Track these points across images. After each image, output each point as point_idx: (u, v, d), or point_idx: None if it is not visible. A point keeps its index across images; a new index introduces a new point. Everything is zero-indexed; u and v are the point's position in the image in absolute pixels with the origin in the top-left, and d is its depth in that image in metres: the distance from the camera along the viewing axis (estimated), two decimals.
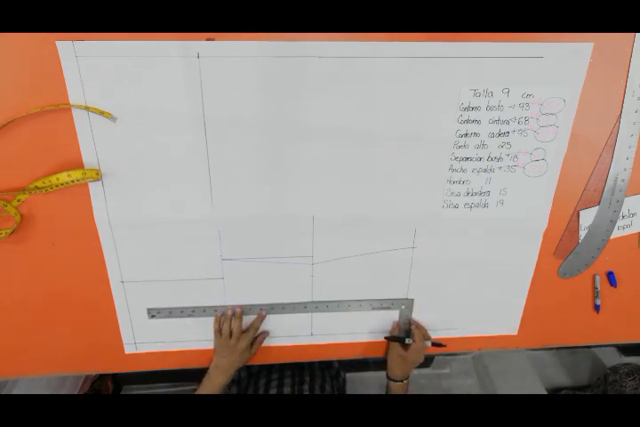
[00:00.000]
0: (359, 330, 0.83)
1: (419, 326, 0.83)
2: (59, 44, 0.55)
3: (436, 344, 0.83)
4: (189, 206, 0.68)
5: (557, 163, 0.69)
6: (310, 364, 1.04)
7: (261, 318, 0.80)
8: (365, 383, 1.43)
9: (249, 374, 1.04)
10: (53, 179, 0.62)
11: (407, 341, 0.80)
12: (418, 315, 0.83)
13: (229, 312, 0.78)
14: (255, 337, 0.81)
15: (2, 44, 0.54)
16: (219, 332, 0.79)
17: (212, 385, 0.79)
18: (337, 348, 0.85)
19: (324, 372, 1.04)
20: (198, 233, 0.70)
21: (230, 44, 0.57)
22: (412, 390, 0.89)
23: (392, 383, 0.84)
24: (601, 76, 0.63)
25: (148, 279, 0.74)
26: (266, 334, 0.82)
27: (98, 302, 0.74)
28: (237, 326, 0.78)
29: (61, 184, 0.62)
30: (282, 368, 1.01)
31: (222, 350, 0.79)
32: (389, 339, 0.83)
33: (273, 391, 0.94)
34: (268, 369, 1.02)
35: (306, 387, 0.96)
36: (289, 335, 0.83)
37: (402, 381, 0.83)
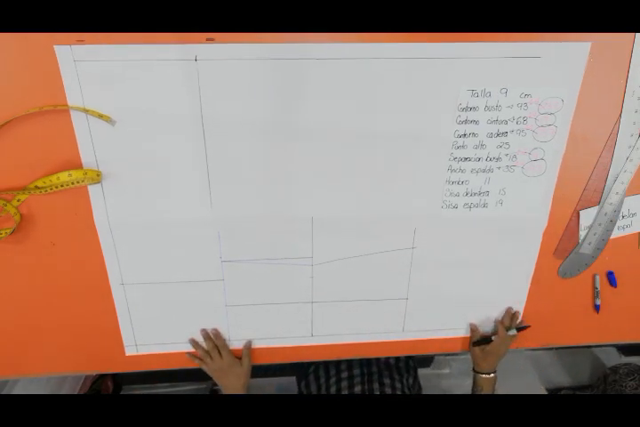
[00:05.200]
0: (359, 331, 0.83)
1: (502, 320, 0.82)
2: (57, 48, 0.54)
3: (521, 329, 0.81)
4: (189, 208, 0.68)
5: (556, 163, 0.69)
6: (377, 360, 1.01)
7: (211, 334, 0.80)
8: None
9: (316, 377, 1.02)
10: (54, 179, 0.62)
11: (493, 338, 0.81)
12: (418, 315, 0.83)
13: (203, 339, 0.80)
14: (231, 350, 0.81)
15: (0, 49, 0.54)
16: (202, 361, 0.81)
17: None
18: (337, 348, 0.85)
19: (392, 369, 1.01)
20: (198, 234, 0.70)
21: (228, 46, 0.57)
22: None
23: (479, 376, 0.85)
24: (600, 76, 0.63)
25: (147, 281, 0.74)
26: (247, 342, 0.82)
27: (98, 303, 0.74)
28: (211, 346, 0.79)
29: (62, 184, 0.62)
30: (350, 366, 0.99)
31: (214, 374, 0.81)
32: (477, 344, 0.83)
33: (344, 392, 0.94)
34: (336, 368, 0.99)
35: (376, 386, 0.94)
36: (289, 336, 0.83)
37: (489, 373, 0.84)
